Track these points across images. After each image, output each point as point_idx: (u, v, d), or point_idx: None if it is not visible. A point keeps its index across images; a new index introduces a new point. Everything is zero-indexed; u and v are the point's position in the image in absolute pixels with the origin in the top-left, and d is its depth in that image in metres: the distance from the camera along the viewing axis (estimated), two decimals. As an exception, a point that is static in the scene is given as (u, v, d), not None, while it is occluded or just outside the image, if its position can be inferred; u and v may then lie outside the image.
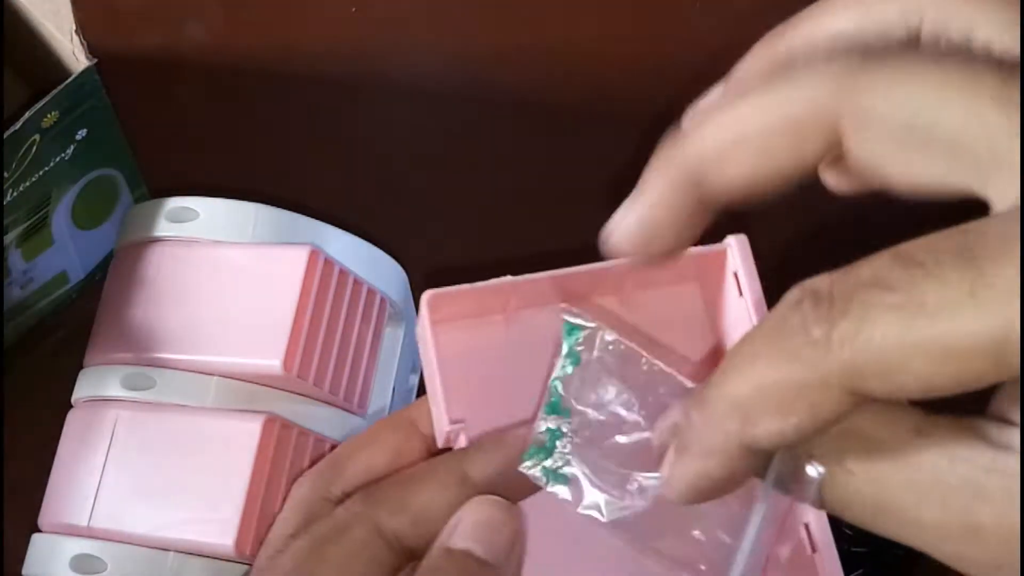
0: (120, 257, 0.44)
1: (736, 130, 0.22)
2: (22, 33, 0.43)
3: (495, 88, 0.54)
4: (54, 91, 0.38)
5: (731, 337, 0.32)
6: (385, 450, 0.33)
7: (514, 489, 0.29)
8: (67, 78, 0.39)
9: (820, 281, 0.20)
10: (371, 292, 0.43)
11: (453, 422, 0.31)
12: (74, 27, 0.40)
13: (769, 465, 0.22)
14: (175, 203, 0.43)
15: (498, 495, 0.29)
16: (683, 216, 0.24)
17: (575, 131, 0.53)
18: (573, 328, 0.31)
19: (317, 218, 0.43)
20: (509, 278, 0.31)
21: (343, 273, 0.42)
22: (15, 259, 0.44)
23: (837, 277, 0.19)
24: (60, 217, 0.45)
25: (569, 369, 0.30)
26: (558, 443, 0.30)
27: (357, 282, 0.43)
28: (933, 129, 0.20)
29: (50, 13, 0.41)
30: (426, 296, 0.31)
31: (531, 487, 0.30)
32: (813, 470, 0.21)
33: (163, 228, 0.43)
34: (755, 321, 0.30)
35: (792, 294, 0.20)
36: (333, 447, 0.44)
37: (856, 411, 0.20)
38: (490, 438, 0.30)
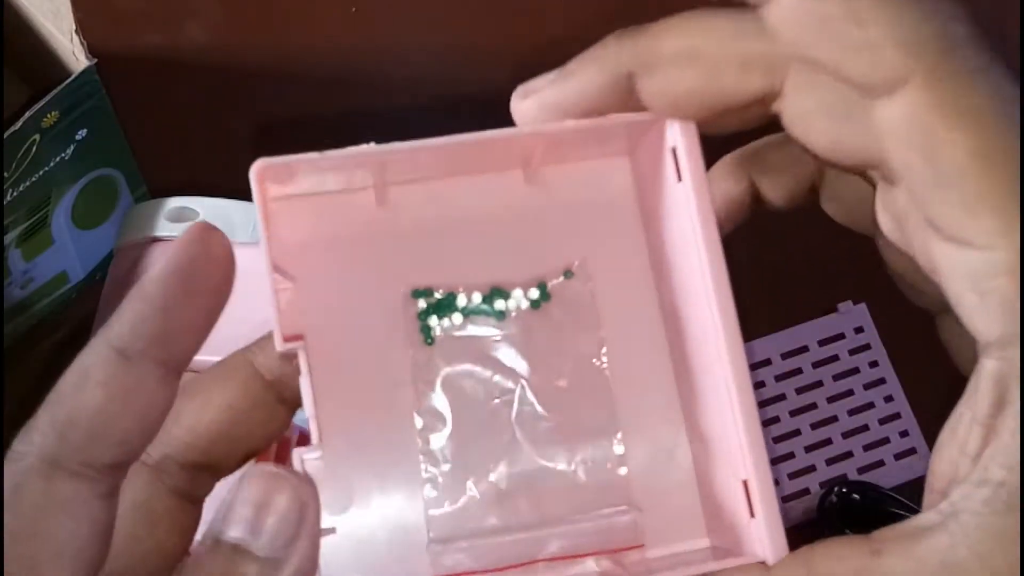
0: (120, 257, 0.44)
1: (690, 42, 0.23)
2: (22, 33, 0.43)
3: (495, 88, 0.54)
4: (54, 91, 0.38)
5: (668, 230, 0.25)
6: (211, 405, 0.26)
7: (177, 348, 0.23)
8: (67, 78, 0.39)
9: None
10: (371, 292, 0.43)
11: (288, 339, 0.23)
12: (74, 27, 0.40)
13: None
14: (175, 203, 0.43)
15: (160, 361, 0.23)
16: (609, 106, 0.23)
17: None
18: None
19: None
20: (373, 146, 0.23)
21: (343, 273, 0.42)
22: (15, 259, 0.44)
23: None
24: (60, 217, 0.45)
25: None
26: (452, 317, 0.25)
27: (357, 282, 0.43)
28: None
29: (50, 13, 0.41)
30: (256, 167, 0.23)
31: (192, 346, 0.23)
32: None
33: (163, 228, 0.43)
34: (695, 214, 0.23)
35: None
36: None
37: None
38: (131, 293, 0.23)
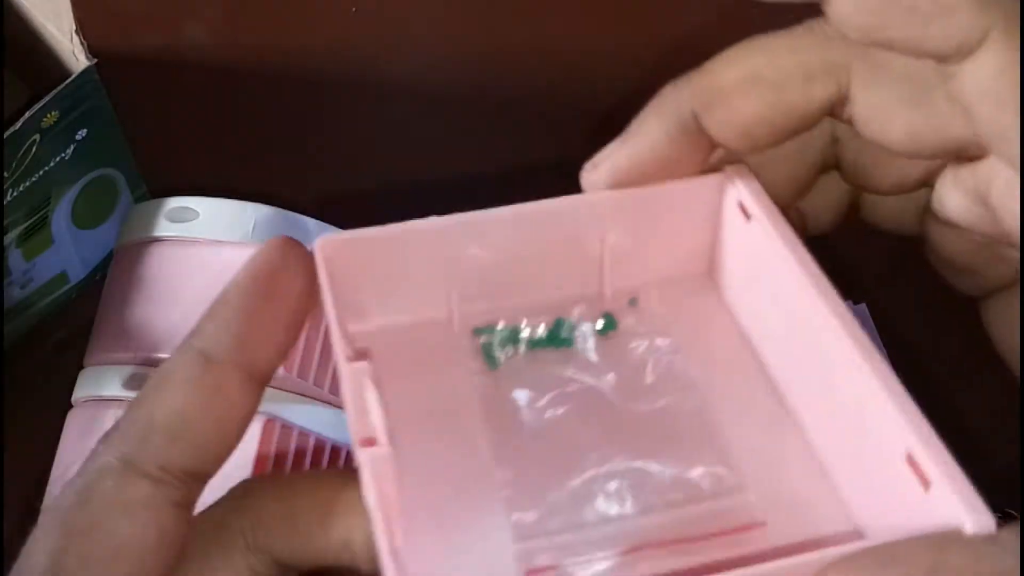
0: (120, 257, 0.44)
1: (749, 68, 0.23)
2: (22, 33, 0.43)
3: (495, 88, 0.54)
4: (54, 91, 0.38)
5: (731, 270, 0.26)
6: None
7: (258, 355, 0.23)
8: (67, 78, 0.39)
9: None
10: (371, 292, 0.43)
11: (352, 359, 0.22)
12: (74, 27, 0.40)
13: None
14: (175, 203, 0.43)
15: (242, 367, 0.23)
16: (682, 153, 0.24)
17: (576, 132, 0.53)
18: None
19: (317, 218, 0.43)
20: (436, 219, 0.24)
21: (343, 273, 0.42)
22: (15, 259, 0.44)
23: None
24: (60, 217, 0.45)
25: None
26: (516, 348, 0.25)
27: (357, 282, 0.43)
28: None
29: (50, 13, 0.41)
30: (320, 244, 0.24)
31: (274, 355, 0.23)
32: None
33: (163, 228, 0.43)
34: (777, 242, 0.24)
35: None
36: (334, 448, 0.44)
37: None
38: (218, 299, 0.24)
